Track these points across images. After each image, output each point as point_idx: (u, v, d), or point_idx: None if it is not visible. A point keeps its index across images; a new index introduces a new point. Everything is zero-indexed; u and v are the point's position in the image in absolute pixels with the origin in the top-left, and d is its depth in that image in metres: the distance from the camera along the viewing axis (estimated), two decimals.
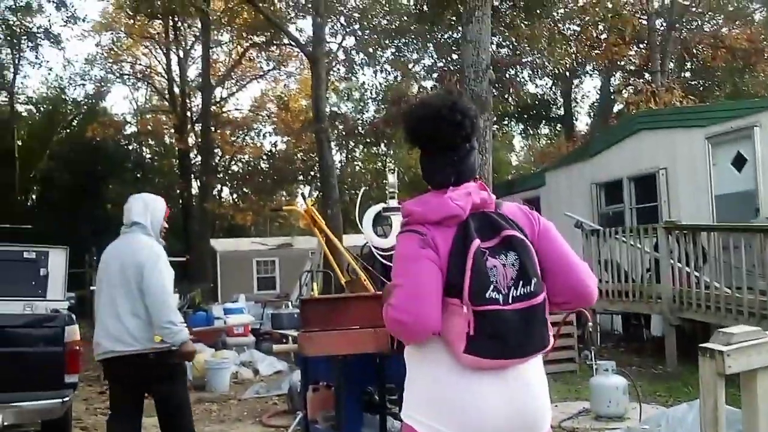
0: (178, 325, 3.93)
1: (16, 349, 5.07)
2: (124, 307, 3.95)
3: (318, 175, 22.03)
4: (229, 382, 8.66)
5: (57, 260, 6.39)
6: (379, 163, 32.51)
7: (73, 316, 5.50)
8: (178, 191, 28.34)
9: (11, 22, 23.28)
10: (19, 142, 26.59)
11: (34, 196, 28.77)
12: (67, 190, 26.15)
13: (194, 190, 27.36)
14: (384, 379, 4.99)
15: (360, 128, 26.45)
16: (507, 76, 21.94)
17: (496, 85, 19.05)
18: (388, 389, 5.17)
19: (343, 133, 26.80)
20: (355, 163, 33.13)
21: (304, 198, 5.40)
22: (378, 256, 4.55)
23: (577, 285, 2.09)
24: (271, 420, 6.62)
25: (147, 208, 4.21)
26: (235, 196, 32.34)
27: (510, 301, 1.96)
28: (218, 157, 30.11)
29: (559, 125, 28.62)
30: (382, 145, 28.17)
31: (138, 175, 30.46)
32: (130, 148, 31.04)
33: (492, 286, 1.95)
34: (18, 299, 6.05)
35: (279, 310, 7.95)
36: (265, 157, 30.71)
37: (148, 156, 32.63)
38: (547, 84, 26.13)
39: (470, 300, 1.94)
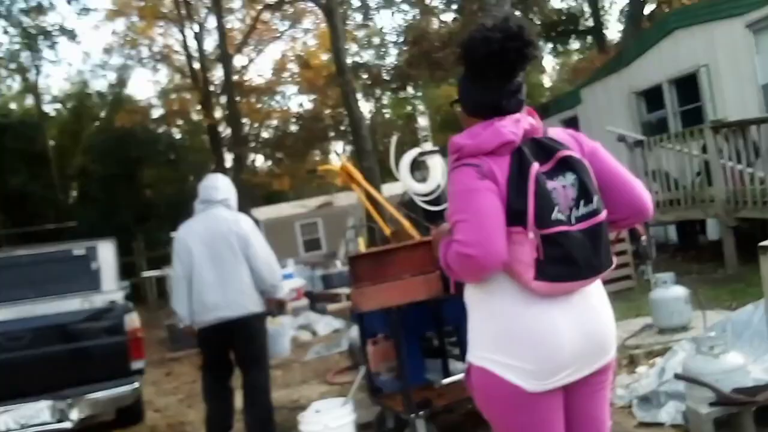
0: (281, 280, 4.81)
1: (80, 344, 5.20)
2: (233, 275, 4.48)
3: (349, 129, 21.88)
4: (290, 346, 8.79)
5: (106, 252, 6.45)
6: (409, 108, 32.16)
7: (131, 305, 5.61)
8: (213, 166, 28.58)
9: (25, 24, 23.41)
10: (52, 142, 26.98)
11: (74, 193, 29.30)
12: (104, 182, 26.58)
13: (228, 163, 27.52)
14: (441, 323, 4.99)
15: (384, 75, 26.03)
16: None
17: (518, 5, 18.46)
18: (446, 333, 5.19)
19: (368, 82, 26.45)
20: (384, 111, 32.83)
21: (338, 155, 5.31)
22: (418, 202, 4.48)
23: (634, 200, 2.05)
24: (336, 377, 6.69)
25: (229, 187, 4.80)
26: (269, 162, 32.45)
27: (573, 221, 1.93)
28: (247, 127, 30.11)
29: (589, 38, 27.59)
30: (409, 88, 27.78)
31: (171, 157, 30.74)
32: (160, 131, 31.22)
33: (556, 208, 1.91)
34: (75, 296, 6.15)
35: (329, 271, 7.98)
36: (293, 120, 30.60)
37: (179, 136, 32.83)
38: None
39: (535, 225, 1.88)
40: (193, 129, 32.02)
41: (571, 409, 2.06)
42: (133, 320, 5.33)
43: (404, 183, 4.68)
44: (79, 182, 28.69)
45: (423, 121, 4.82)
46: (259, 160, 32.87)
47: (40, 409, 4.90)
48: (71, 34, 26.28)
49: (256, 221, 23.47)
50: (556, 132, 2.08)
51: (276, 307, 4.84)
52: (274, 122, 31.83)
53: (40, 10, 22.96)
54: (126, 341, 5.20)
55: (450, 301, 4.72)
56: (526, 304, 1.96)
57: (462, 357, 5.00)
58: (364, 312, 4.38)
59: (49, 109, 30.18)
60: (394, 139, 5.72)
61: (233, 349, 4.63)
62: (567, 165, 1.96)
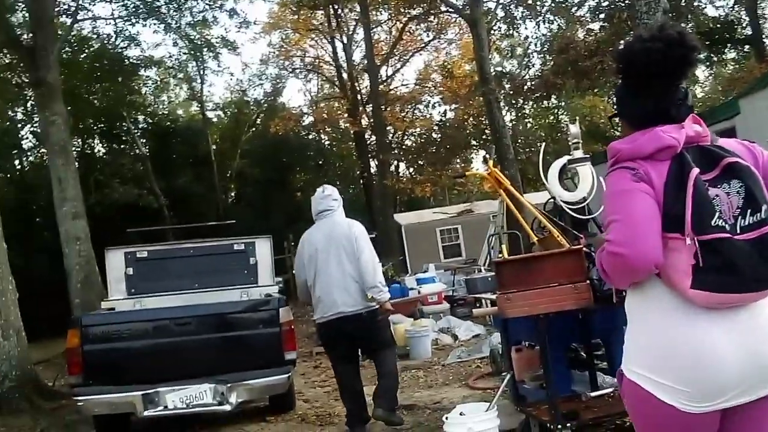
0: (384, 285, 5.07)
1: (239, 333, 5.59)
2: (350, 275, 5.03)
3: (490, 138, 21.79)
4: (431, 348, 8.91)
5: (263, 249, 6.90)
6: (551, 117, 31.49)
7: (285, 299, 5.95)
8: (357, 172, 29.41)
9: (192, 37, 25.28)
10: (214, 146, 28.92)
11: (232, 194, 31.22)
12: (260, 184, 28.15)
13: (373, 169, 28.22)
14: (589, 335, 4.89)
15: (528, 84, 25.68)
16: (683, 2, 20.20)
17: (671, 14, 17.60)
18: (594, 345, 5.07)
19: (510, 92, 26.20)
20: (526, 120, 32.37)
21: (485, 160, 5.32)
22: (567, 210, 4.42)
23: None
24: (478, 383, 6.72)
25: (339, 196, 5.36)
26: (411, 169, 32.93)
27: (738, 231, 1.82)
28: (391, 134, 30.78)
29: (747, 47, 25.81)
30: (553, 98, 27.21)
31: (320, 162, 32.00)
32: (310, 137, 32.65)
33: (717, 214, 1.82)
34: (235, 288, 6.62)
35: (472, 275, 8.01)
36: (436, 128, 30.93)
37: (327, 142, 34.12)
38: (728, 4, 23.68)
39: (693, 230, 1.81)
40: (341, 136, 33.17)
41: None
42: (287, 313, 5.66)
43: (552, 190, 4.62)
44: (236, 184, 30.55)
45: (574, 129, 4.67)
46: (402, 167, 33.45)
47: (203, 391, 5.33)
48: (232, 46, 28.06)
49: (399, 226, 23.95)
50: (728, 142, 1.99)
51: (382, 311, 5.09)
52: (417, 130, 32.30)
53: (205, 23, 24.65)
54: (280, 332, 5.53)
55: (599, 313, 4.64)
56: (684, 317, 1.85)
57: (611, 372, 4.88)
58: (509, 318, 4.40)
59: (212, 115, 32.42)
60: (542, 147, 5.64)
61: (357, 343, 5.18)
62: (733, 172, 1.87)
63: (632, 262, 1.84)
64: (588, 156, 4.72)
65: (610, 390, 4.52)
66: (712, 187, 1.85)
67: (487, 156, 5.44)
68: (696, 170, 1.84)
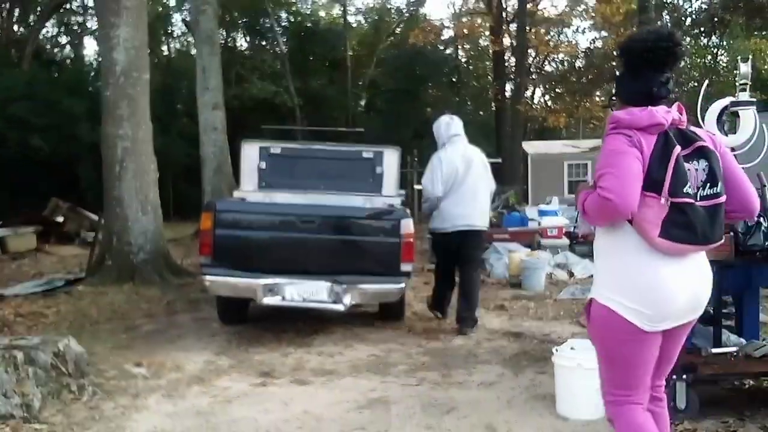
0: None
1: (360, 238, 5.70)
2: (480, 195, 6.13)
3: None
4: (544, 282, 8.77)
5: (390, 159, 6.91)
6: (709, 57, 29.14)
7: (408, 211, 5.97)
8: (491, 94, 28.70)
9: None
10: (350, 52, 28.99)
11: (362, 102, 31.45)
12: (391, 95, 28.13)
13: (507, 93, 27.46)
14: (719, 290, 4.61)
15: (692, 17, 23.70)
16: None
17: None
18: (723, 302, 4.79)
19: (670, 23, 24.32)
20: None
21: None
22: None
23: (745, 199, 2.55)
24: None
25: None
26: (547, 97, 31.79)
27: (698, 199, 2.41)
28: (532, 57, 29.61)
29: None
30: (714, 36, 25.06)
31: (454, 79, 31.47)
32: (447, 52, 32.00)
33: (687, 184, 2.38)
34: (359, 194, 6.72)
35: None
36: (581, 55, 29.40)
37: (464, 60, 33.39)
38: None
39: (669, 193, 2.36)
40: (478, 54, 32.33)
41: (663, 347, 2.56)
42: (408, 225, 5.68)
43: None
44: (368, 92, 30.69)
45: (744, 68, 4.23)
46: (538, 94, 32.35)
47: (320, 288, 5.53)
48: None
49: (525, 154, 23.37)
50: (698, 129, 2.57)
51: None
52: (561, 56, 30.84)
53: None
54: (400, 243, 5.58)
55: (735, 269, 4.35)
56: (649, 258, 2.43)
57: (738, 331, 4.62)
58: None
59: (352, 20, 32.34)
60: (704, 85, 5.20)
61: (464, 253, 6.11)
62: (702, 153, 2.44)
63: (617, 207, 2.33)
64: (754, 100, 4.32)
65: (734, 349, 4.29)
66: (686, 162, 2.41)
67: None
68: (679, 147, 2.39)
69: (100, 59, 10.04)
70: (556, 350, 4.08)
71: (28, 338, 4.60)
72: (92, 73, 25.13)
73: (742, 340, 4.44)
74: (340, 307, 5.53)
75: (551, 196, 15.72)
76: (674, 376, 3.77)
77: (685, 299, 2.45)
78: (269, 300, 5.52)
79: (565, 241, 11.30)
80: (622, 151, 2.39)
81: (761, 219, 3.64)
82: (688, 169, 2.40)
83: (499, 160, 23.06)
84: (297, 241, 5.63)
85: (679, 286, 2.43)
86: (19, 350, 4.04)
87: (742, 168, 4.46)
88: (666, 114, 2.44)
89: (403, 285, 5.65)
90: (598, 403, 3.89)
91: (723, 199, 2.44)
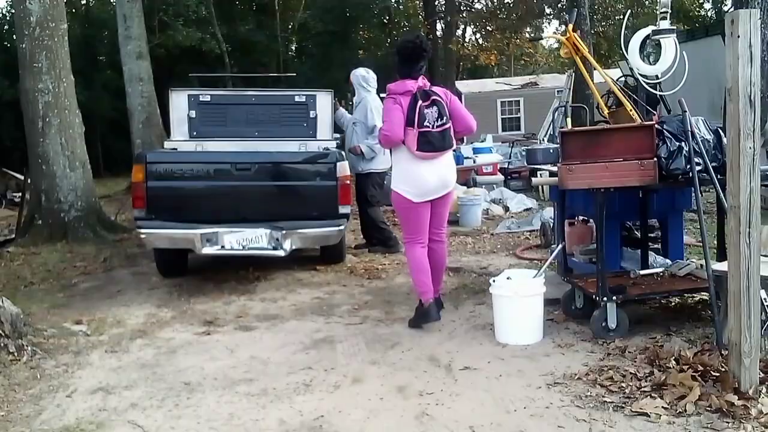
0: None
1: (297, 183, 5.68)
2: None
3: (565, 6, 20.64)
4: (481, 218, 8.96)
5: (324, 103, 6.86)
6: None
7: (343, 154, 5.97)
8: (422, 33, 28.45)
9: None
10: None
11: (292, 47, 30.77)
12: (322, 38, 27.56)
13: (438, 32, 27.28)
14: (645, 214, 4.82)
15: None
16: None
17: None
18: (650, 225, 5.02)
19: None
20: None
21: (565, 24, 5.09)
22: (643, 84, 4.22)
23: (464, 124, 4.54)
24: (525, 253, 6.79)
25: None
26: (478, 35, 31.73)
27: (435, 127, 4.36)
28: None
29: None
30: None
31: (384, 20, 31.00)
32: None
33: (426, 120, 4.34)
34: (293, 139, 6.66)
35: (534, 146, 7.84)
36: None
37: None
38: None
39: (417, 126, 4.33)
40: None
41: (432, 211, 4.54)
42: (344, 167, 5.69)
43: (632, 62, 4.40)
44: (298, 36, 29.99)
45: None
46: (469, 33, 32.24)
47: (259, 235, 5.51)
48: None
49: (459, 93, 23.44)
50: (437, 88, 4.52)
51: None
52: None
53: None
54: (337, 186, 5.59)
55: (660, 193, 4.55)
56: (413, 162, 4.41)
57: (664, 252, 4.85)
58: (567, 190, 4.35)
59: None
60: (626, 15, 5.31)
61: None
62: (434, 102, 4.39)
63: (392, 139, 4.42)
64: (674, 28, 4.45)
65: (660, 270, 4.52)
66: (426, 109, 4.36)
67: (567, 19, 5.16)
68: (420, 101, 4.36)
69: (12, 11, 9.49)
70: (494, 281, 4.22)
71: None
72: (5, 27, 23.75)
73: (668, 261, 4.67)
74: (280, 253, 5.53)
75: (485, 134, 15.91)
76: (605, 298, 3.96)
77: (434, 182, 4.42)
78: (208, 249, 5.48)
79: (500, 177, 11.53)
80: (391, 107, 4.43)
81: (682, 143, 3.79)
82: (428, 112, 4.36)
83: None
84: (233, 189, 5.57)
85: (430, 175, 4.40)
86: None
87: (665, 95, 4.65)
88: (414, 83, 4.41)
89: (342, 227, 5.69)
90: (535, 328, 4.10)
91: (448, 125, 4.40)
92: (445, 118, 4.33)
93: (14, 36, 9.49)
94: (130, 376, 3.85)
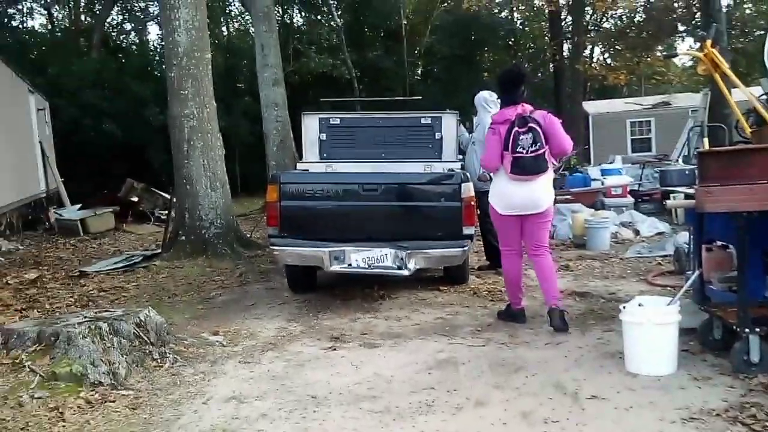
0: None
1: (422, 203, 5.76)
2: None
3: (700, 23, 19.66)
4: (609, 241, 8.67)
5: (449, 124, 6.93)
6: None
7: (468, 175, 5.99)
8: (548, 54, 28.05)
9: None
10: (405, 21, 28.72)
11: (419, 70, 31.18)
12: (447, 62, 27.78)
13: (565, 53, 26.78)
14: None
15: None
16: None
17: None
18: None
19: None
20: (745, 6, 28.72)
21: (701, 41, 4.88)
22: None
23: (560, 147, 4.97)
24: (657, 279, 6.49)
25: None
26: (606, 55, 30.84)
27: (527, 152, 4.83)
28: (589, 15, 28.73)
29: None
30: None
31: (510, 42, 30.85)
32: (502, 15, 31.34)
33: (520, 146, 4.84)
34: (419, 161, 6.77)
35: (668, 167, 7.50)
36: (639, 10, 28.32)
37: (519, 21, 32.67)
38: None
39: (511, 151, 4.86)
40: (534, 15, 31.56)
41: (525, 229, 5.05)
42: (468, 189, 5.71)
43: None
44: (424, 61, 30.40)
45: None
46: (597, 52, 31.39)
47: (384, 254, 5.62)
48: None
49: (587, 115, 22.89)
50: (537, 113, 4.95)
51: None
52: (619, 12, 29.76)
53: None
54: (461, 207, 5.62)
55: None
56: (508, 180, 4.94)
57: None
58: (705, 214, 4.14)
59: None
60: None
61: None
62: (531, 129, 4.84)
63: (488, 166, 5.16)
64: None
65: None
66: (522, 135, 4.84)
67: (705, 34, 4.94)
68: (516, 128, 4.85)
69: (163, 43, 10.29)
70: (624, 307, 4.07)
71: (111, 310, 4.86)
72: (157, 58, 25.72)
73: None
74: (404, 272, 5.62)
75: (614, 155, 15.39)
76: (746, 330, 3.72)
77: (520, 200, 4.93)
78: (336, 267, 5.65)
79: (630, 199, 11.11)
80: (490, 137, 5.04)
81: None
82: (523, 138, 4.83)
83: (560, 122, 22.64)
84: (360, 209, 5.73)
85: (518, 193, 4.92)
86: (104, 321, 4.29)
87: None
88: (513, 111, 4.92)
89: (466, 248, 5.70)
90: (669, 358, 3.91)
91: (542, 151, 4.83)
92: (539, 144, 4.80)
93: (164, 66, 10.24)
94: (261, 387, 4.02)
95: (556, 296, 4.96)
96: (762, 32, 24.82)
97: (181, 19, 8.66)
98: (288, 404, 3.73)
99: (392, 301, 6.03)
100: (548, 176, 4.93)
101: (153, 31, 32.63)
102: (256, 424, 3.49)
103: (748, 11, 28.36)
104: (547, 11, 27.37)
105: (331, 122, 7.04)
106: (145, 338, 4.48)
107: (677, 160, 11.74)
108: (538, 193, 4.89)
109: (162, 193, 14.40)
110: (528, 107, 4.88)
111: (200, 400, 3.86)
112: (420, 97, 11.41)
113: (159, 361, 4.44)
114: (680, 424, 3.23)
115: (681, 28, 26.72)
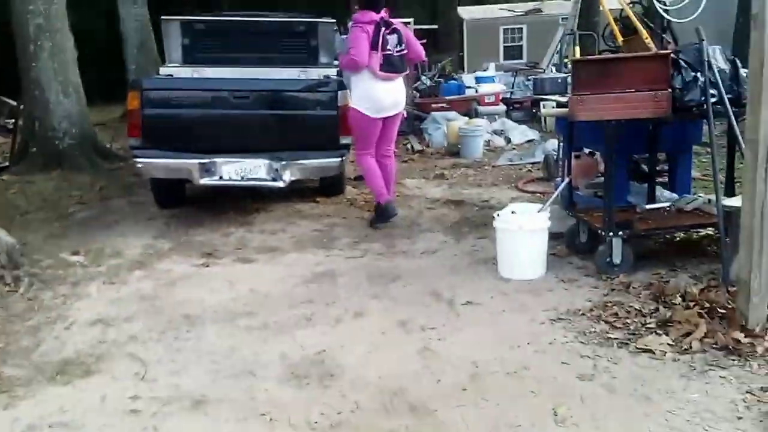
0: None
1: (296, 112, 5.51)
2: None
3: None
4: (482, 149, 8.83)
5: (325, 32, 6.63)
6: None
7: (344, 82, 5.78)
8: None
9: None
10: None
11: None
12: None
13: None
14: (655, 147, 4.71)
15: None
16: None
17: None
18: (657, 159, 4.91)
19: None
20: None
21: None
22: (660, 11, 4.04)
23: (415, 51, 5.38)
24: (527, 186, 6.70)
25: None
26: None
27: (395, 52, 5.15)
28: None
29: None
30: None
31: None
32: None
33: (389, 45, 5.09)
34: (293, 67, 6.45)
35: (540, 75, 7.60)
36: None
37: None
38: None
39: (381, 50, 5.05)
40: None
41: (384, 127, 5.31)
42: (345, 97, 5.50)
43: None
44: None
45: None
46: None
47: (258, 166, 5.38)
48: None
49: (461, 20, 22.83)
50: (394, 21, 5.22)
51: None
52: None
53: None
54: (337, 115, 5.43)
55: (670, 126, 4.42)
56: (374, 82, 5.12)
57: (672, 187, 4.76)
58: (575, 122, 4.22)
59: None
60: None
61: None
62: (395, 30, 5.16)
63: (359, 63, 5.07)
64: None
65: (667, 204, 4.44)
66: (388, 35, 5.09)
67: None
68: (384, 28, 5.07)
69: None
70: (498, 215, 4.14)
71: None
72: None
73: (675, 196, 4.58)
74: (280, 184, 5.42)
75: (487, 62, 15.55)
76: (610, 233, 3.89)
77: (389, 101, 5.21)
78: (206, 180, 5.37)
79: (502, 107, 11.32)
80: (358, 35, 5.04)
81: (698, 74, 3.65)
82: (389, 39, 5.09)
83: (435, 27, 22.55)
84: (231, 118, 5.42)
85: (387, 95, 5.18)
86: None
87: (679, 22, 4.46)
88: (377, 15, 5.08)
89: (343, 158, 5.55)
90: (539, 263, 4.05)
91: (405, 51, 5.22)
92: (403, 45, 5.19)
93: None
94: (129, 308, 3.81)
95: (393, 194, 5.67)
96: None
97: None
98: (159, 325, 3.56)
99: (267, 214, 5.86)
100: (402, 77, 5.41)
101: None
102: (126, 347, 3.31)
103: None
104: None
105: (196, 27, 6.56)
106: None
107: (551, 69, 12.01)
108: (401, 92, 5.32)
109: (8, 100, 13.09)
110: (387, 14, 5.18)
111: (62, 324, 3.61)
112: None
113: (13, 285, 4.12)
114: (549, 324, 3.37)
115: None
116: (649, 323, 3.26)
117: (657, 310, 3.38)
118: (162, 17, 6.70)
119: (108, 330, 3.52)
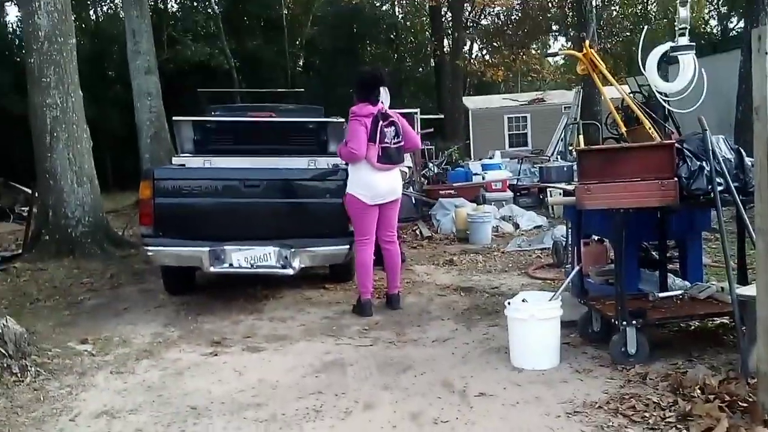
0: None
1: (306, 200, 5.59)
2: None
3: (574, 22, 20.60)
4: (491, 235, 8.86)
5: (335, 129, 6.82)
6: (639, 6, 29.57)
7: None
8: (430, 49, 28.49)
9: None
10: (286, 11, 28.26)
11: (300, 62, 30.81)
12: (329, 54, 27.56)
13: (445, 48, 27.27)
14: (664, 234, 4.71)
15: None
16: None
17: None
18: (667, 246, 4.90)
19: None
20: (612, 7, 30.43)
21: (582, 42, 5.03)
22: (661, 101, 4.13)
23: (411, 141, 5.55)
24: (537, 272, 6.67)
25: None
26: (485, 51, 31.71)
27: (392, 144, 5.30)
28: (468, 11, 29.38)
29: None
30: None
31: (392, 36, 31.06)
32: (384, 8, 31.50)
33: (386, 138, 5.26)
34: (302, 156, 6.59)
35: (547, 164, 7.71)
36: (517, 8, 29.32)
37: (401, 16, 32.96)
38: None
39: (378, 142, 5.20)
40: (415, 10, 31.93)
41: (383, 214, 5.37)
42: None
43: (649, 78, 4.31)
44: (306, 52, 30.04)
45: (683, 12, 4.25)
46: (476, 49, 32.21)
47: (267, 253, 5.42)
48: None
49: (466, 109, 23.40)
50: (391, 111, 5.36)
51: None
52: (496, 9, 30.66)
53: None
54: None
55: (679, 213, 4.44)
56: (371, 172, 5.24)
57: (683, 274, 4.73)
58: (584, 210, 4.24)
59: None
60: (644, 31, 5.25)
61: None
62: (393, 123, 5.33)
63: (358, 156, 5.21)
64: (693, 44, 4.36)
65: (680, 292, 4.39)
66: (385, 128, 5.26)
67: (584, 35, 5.08)
68: (381, 122, 5.24)
69: (22, 26, 9.49)
70: (509, 303, 4.11)
71: None
72: (16, 41, 23.88)
73: (687, 283, 4.55)
74: (289, 271, 5.44)
75: (493, 150, 15.82)
76: (624, 322, 3.84)
77: (385, 188, 5.28)
78: (216, 268, 5.38)
79: (510, 194, 11.43)
80: (357, 128, 5.20)
81: (703, 163, 3.69)
82: (387, 131, 5.25)
83: (441, 116, 23.09)
84: (241, 206, 5.49)
85: (382, 183, 5.26)
86: None
87: (681, 113, 4.54)
88: (375, 107, 5.24)
89: (351, 245, 5.56)
90: (552, 352, 3.98)
91: (402, 143, 5.35)
92: (400, 136, 5.34)
93: (23, 51, 9.47)
94: (136, 400, 3.74)
95: (399, 284, 5.66)
96: (628, 33, 26.41)
97: (41, 1, 8.00)
98: (165, 417, 3.48)
99: (277, 301, 5.84)
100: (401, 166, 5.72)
101: (12, 13, 30.32)
102: None
103: (615, 13, 30.02)
104: (428, 6, 27.76)
105: (207, 126, 6.78)
106: (3, 350, 4.07)
107: (557, 157, 12.21)
108: (397, 180, 5.44)
109: (23, 188, 13.34)
110: (385, 107, 5.31)
111: (67, 416, 3.54)
112: (302, 90, 11.20)
113: (19, 375, 4.05)
114: (565, 419, 3.27)
115: (555, 27, 27.91)
116: (669, 417, 3.16)
117: (676, 402, 3.29)
118: (173, 118, 6.91)
119: (113, 422, 3.45)
